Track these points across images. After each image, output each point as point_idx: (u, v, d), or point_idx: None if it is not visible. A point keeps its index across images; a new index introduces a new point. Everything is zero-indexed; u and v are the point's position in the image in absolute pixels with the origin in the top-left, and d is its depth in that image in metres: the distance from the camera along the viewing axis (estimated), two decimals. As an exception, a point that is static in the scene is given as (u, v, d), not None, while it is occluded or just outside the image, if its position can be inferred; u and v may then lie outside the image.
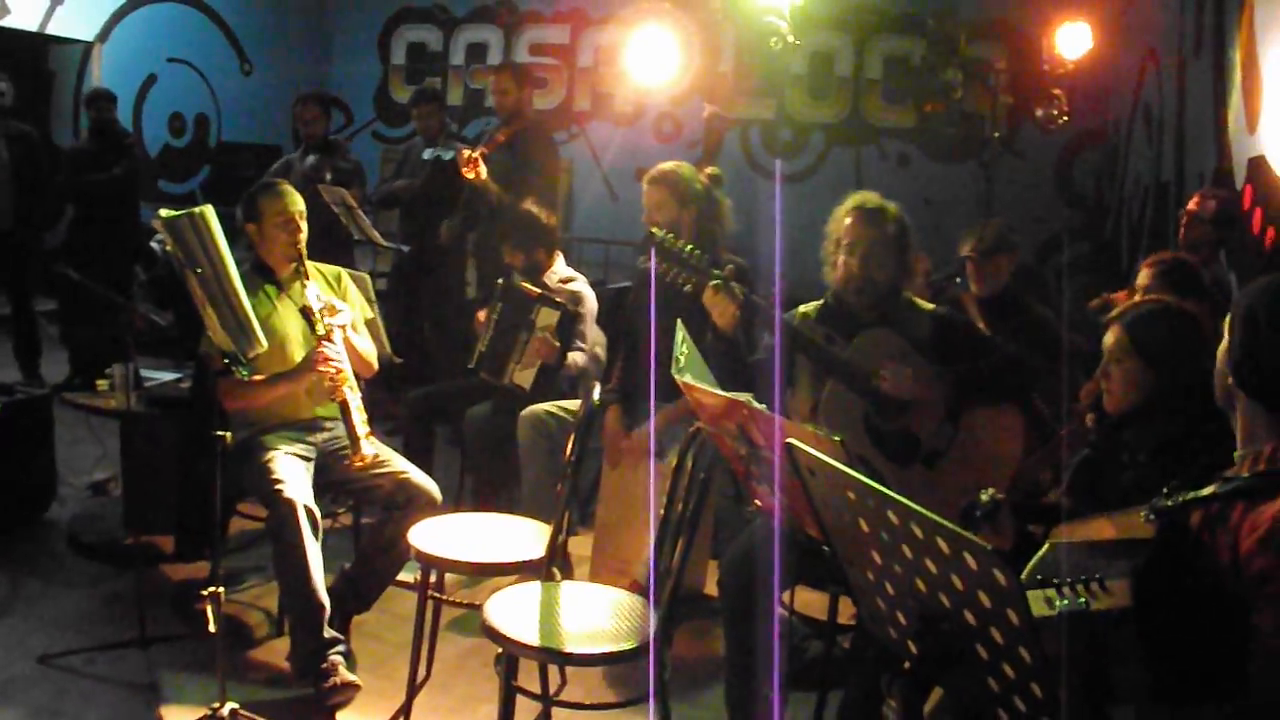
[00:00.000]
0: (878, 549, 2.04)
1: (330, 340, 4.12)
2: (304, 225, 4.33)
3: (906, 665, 2.09)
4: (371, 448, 4.05)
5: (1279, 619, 1.96)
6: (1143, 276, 4.36)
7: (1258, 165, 5.43)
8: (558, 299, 5.29)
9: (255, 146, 10.61)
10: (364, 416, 4.10)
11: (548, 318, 5.23)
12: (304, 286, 4.22)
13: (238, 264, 3.60)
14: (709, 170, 5.03)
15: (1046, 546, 2.34)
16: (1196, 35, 6.91)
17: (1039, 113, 7.71)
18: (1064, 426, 3.82)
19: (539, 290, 5.34)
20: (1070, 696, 2.02)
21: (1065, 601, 2.09)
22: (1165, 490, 2.22)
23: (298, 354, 4.28)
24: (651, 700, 3.15)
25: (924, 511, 1.83)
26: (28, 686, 3.91)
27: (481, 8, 11.32)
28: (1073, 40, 7.31)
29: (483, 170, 6.47)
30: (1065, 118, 7.58)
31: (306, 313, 4.18)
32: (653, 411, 4.61)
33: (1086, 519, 2.57)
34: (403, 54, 11.51)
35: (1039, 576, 2.19)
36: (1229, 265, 5.46)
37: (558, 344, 5.20)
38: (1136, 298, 4.15)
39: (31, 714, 3.74)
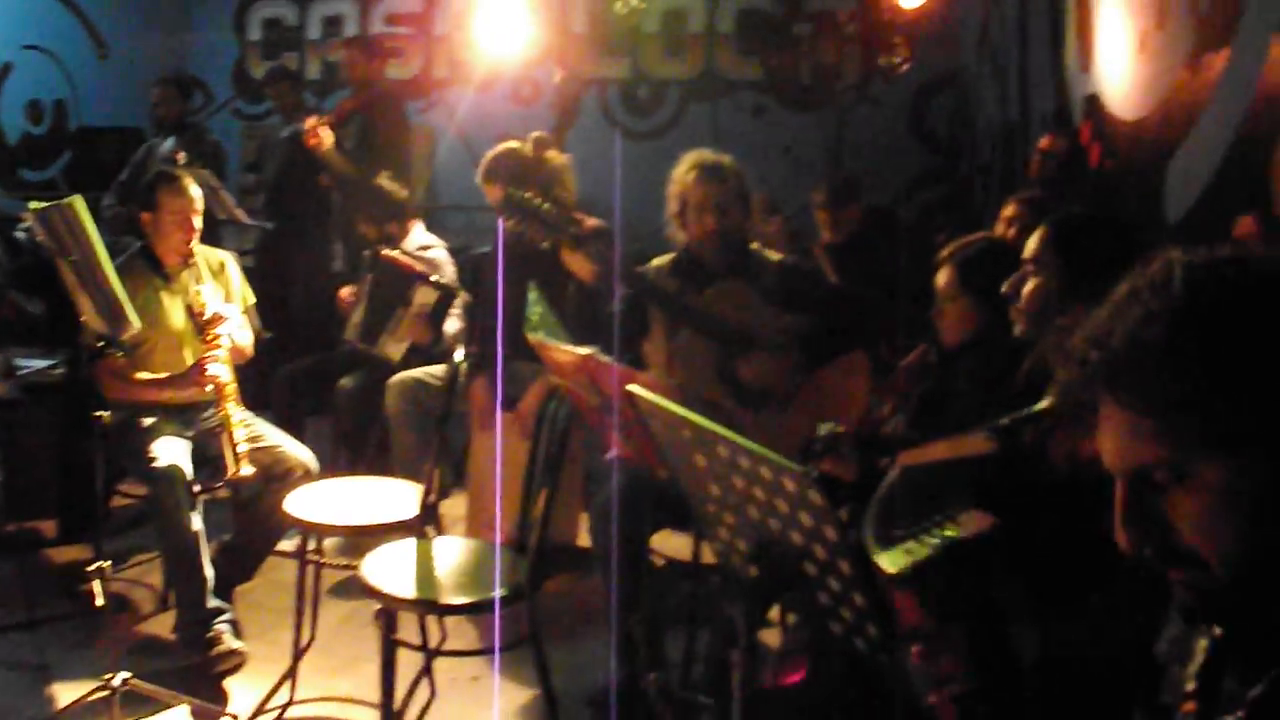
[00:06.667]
0: (715, 482, 2.18)
1: (216, 347, 4.18)
2: (199, 224, 4.38)
3: (748, 589, 2.23)
4: (249, 468, 4.05)
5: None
6: (1009, 209, 4.51)
7: (1092, 103, 5.64)
8: (439, 280, 5.33)
9: (115, 130, 10.46)
10: (246, 432, 4.14)
11: (425, 296, 5.28)
12: (191, 279, 4.32)
13: (122, 250, 3.60)
14: (534, 135, 5.08)
15: (897, 470, 2.49)
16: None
17: (881, 61, 7.91)
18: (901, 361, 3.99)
19: (420, 267, 5.37)
20: (972, 629, 2.17)
21: (934, 540, 2.24)
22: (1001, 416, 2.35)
23: (185, 344, 4.35)
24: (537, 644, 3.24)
25: (747, 443, 1.98)
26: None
27: (335, -19, 11.21)
28: (909, -14, 7.45)
29: (326, 139, 6.47)
30: (905, 65, 7.78)
31: (192, 314, 4.22)
32: (499, 367, 4.67)
33: (927, 444, 2.72)
34: (259, 30, 11.35)
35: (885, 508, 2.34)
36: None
37: (429, 332, 5.27)
38: (1005, 231, 4.34)
39: (-82, 702, 3.75)
